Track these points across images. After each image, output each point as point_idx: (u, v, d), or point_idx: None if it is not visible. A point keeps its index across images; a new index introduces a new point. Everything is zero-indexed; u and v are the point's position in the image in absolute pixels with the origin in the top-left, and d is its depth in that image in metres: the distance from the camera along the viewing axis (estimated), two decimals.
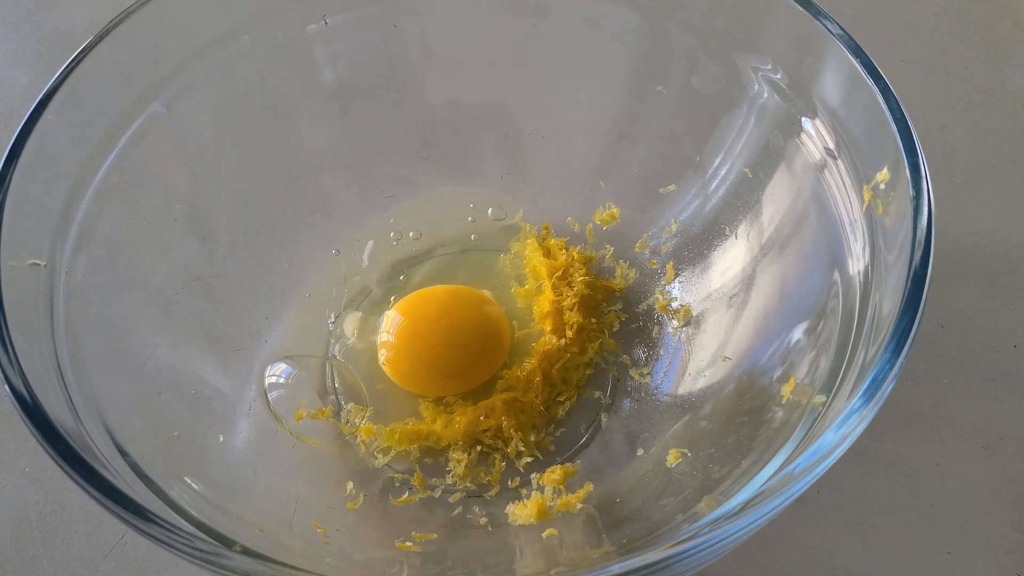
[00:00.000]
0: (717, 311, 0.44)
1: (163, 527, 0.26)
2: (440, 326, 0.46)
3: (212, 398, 0.41)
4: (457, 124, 0.50)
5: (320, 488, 0.41)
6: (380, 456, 0.42)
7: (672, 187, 0.47)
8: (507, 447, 0.42)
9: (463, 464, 0.42)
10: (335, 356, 0.47)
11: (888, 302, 0.30)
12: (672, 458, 0.39)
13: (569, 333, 0.45)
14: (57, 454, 0.27)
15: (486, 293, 0.48)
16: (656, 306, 0.46)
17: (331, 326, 0.47)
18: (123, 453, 0.31)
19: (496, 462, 0.42)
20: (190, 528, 0.28)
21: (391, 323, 0.46)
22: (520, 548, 0.38)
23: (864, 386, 0.28)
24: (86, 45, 0.36)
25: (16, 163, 0.33)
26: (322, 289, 0.48)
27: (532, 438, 0.42)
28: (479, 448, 0.42)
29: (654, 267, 0.47)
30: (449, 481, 0.42)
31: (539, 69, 0.48)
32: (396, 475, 0.42)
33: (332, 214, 0.49)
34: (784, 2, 0.37)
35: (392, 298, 0.49)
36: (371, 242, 0.50)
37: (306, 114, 0.48)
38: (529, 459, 0.42)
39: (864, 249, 0.34)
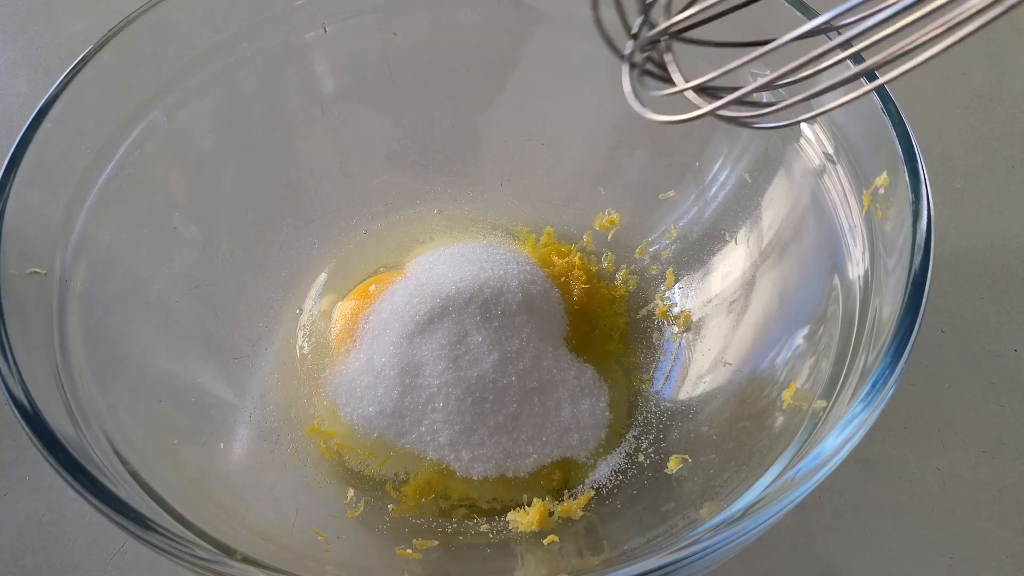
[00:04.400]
0: (717, 316, 0.44)
1: (164, 535, 0.26)
2: None
3: (212, 405, 0.41)
4: (456, 131, 0.50)
5: (321, 495, 0.41)
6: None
7: (671, 193, 0.47)
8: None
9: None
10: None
11: (888, 307, 0.30)
12: (673, 464, 0.39)
13: None
14: (57, 463, 0.27)
15: None
16: (656, 312, 0.46)
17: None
18: (123, 461, 0.31)
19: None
20: (191, 536, 0.28)
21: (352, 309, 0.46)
22: (521, 555, 0.38)
23: (865, 391, 0.28)
24: (86, 54, 0.37)
25: (16, 171, 0.33)
26: (322, 295, 0.48)
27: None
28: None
29: (654, 273, 0.47)
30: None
31: (538, 75, 0.48)
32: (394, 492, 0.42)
33: (332, 221, 0.49)
34: (782, 7, 0.37)
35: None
36: (370, 249, 0.50)
37: (305, 122, 0.48)
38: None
39: (864, 254, 0.34)
